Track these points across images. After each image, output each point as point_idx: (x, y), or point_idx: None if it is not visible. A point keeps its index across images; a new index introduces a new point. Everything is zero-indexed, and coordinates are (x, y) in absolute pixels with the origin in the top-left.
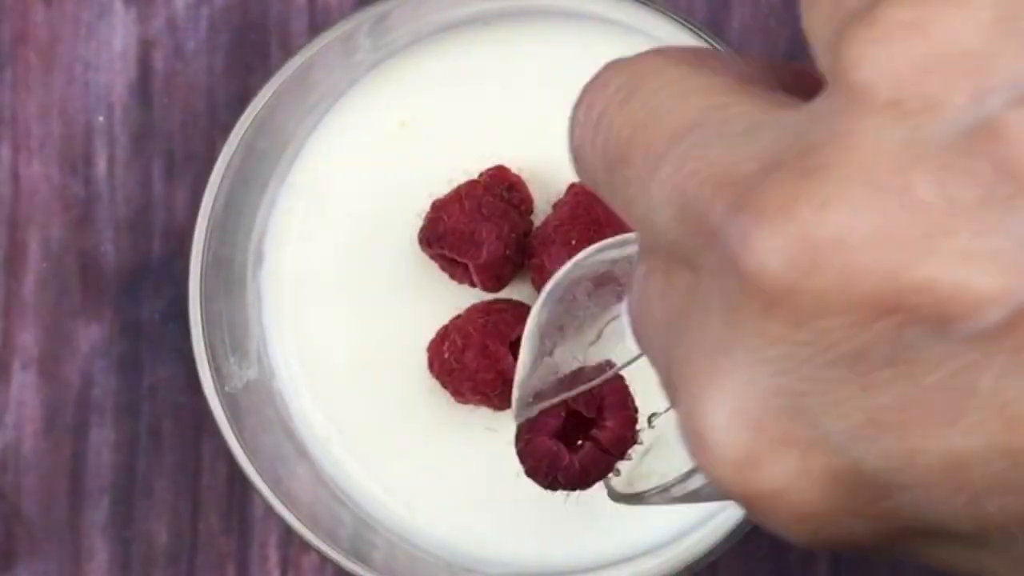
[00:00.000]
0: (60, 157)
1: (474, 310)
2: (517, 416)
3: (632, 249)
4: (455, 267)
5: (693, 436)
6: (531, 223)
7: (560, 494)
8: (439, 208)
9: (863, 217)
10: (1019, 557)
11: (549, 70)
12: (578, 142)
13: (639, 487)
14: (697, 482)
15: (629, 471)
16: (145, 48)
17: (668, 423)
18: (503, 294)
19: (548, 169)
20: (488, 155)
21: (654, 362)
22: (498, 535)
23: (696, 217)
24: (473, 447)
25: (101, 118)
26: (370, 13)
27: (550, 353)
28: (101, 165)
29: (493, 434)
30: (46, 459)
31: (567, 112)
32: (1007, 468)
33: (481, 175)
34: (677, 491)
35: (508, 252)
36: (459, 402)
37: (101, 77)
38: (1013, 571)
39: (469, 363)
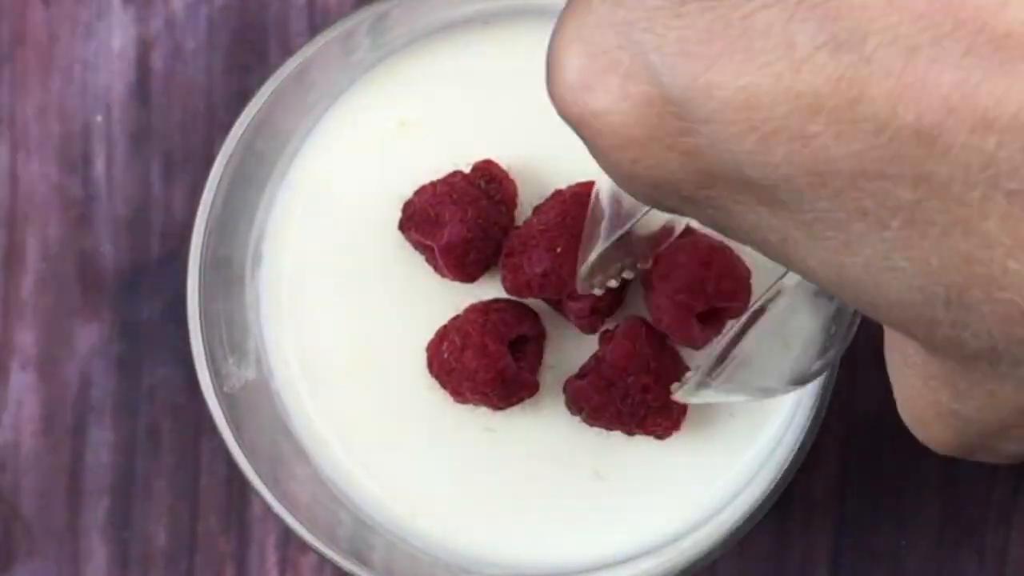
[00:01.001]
0: (58, 157)
1: (473, 310)
2: (580, 287)
3: None
4: (430, 252)
5: (547, 65)
6: (511, 219)
7: (560, 495)
8: (416, 192)
9: None
10: (812, 220)
11: None
12: None
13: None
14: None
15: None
16: (144, 48)
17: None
18: (480, 290)
19: (545, 170)
20: (486, 155)
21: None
22: (498, 535)
23: None
24: (472, 447)
25: (99, 118)
26: (369, 13)
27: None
28: (99, 165)
29: (492, 434)
30: (45, 459)
31: None
32: (790, 112)
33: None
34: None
35: (472, 236)
36: (458, 402)
37: (100, 77)
38: (809, 242)
39: (468, 363)
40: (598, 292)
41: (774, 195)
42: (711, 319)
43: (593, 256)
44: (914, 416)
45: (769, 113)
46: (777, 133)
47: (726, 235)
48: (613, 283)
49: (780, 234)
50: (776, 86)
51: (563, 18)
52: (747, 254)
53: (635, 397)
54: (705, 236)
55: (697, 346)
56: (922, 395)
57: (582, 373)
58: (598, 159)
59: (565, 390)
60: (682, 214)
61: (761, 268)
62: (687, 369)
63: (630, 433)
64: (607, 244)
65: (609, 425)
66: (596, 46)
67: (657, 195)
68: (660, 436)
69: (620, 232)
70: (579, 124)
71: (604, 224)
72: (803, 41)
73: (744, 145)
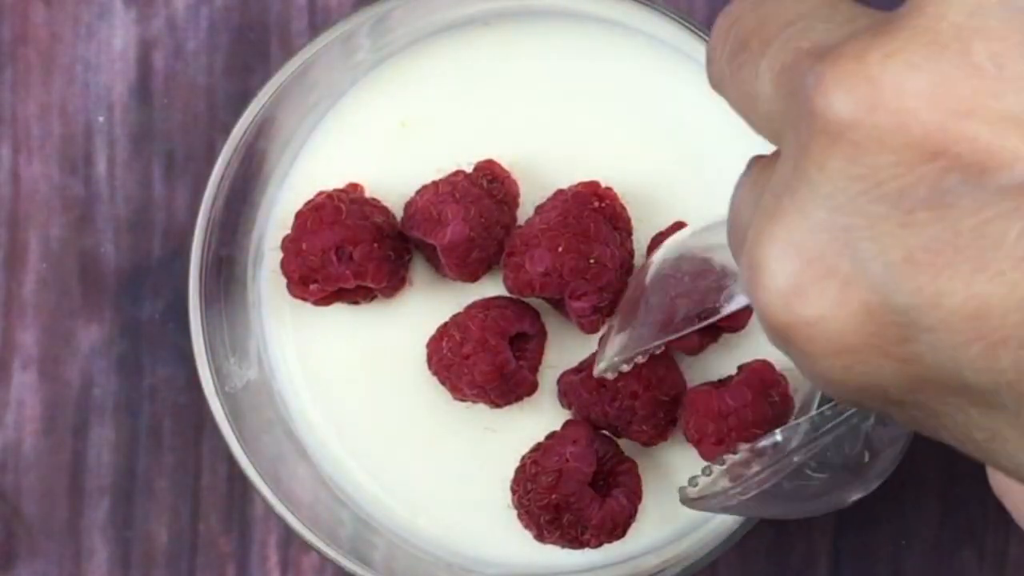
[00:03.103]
0: (60, 157)
1: (474, 307)
2: (597, 371)
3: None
4: (432, 251)
5: (749, 269)
6: (513, 218)
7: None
8: (417, 191)
9: (922, 70)
10: None
11: (549, 70)
12: (712, 44)
13: (705, 493)
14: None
15: (703, 485)
16: (145, 48)
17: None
18: (482, 289)
19: (545, 170)
20: (487, 154)
21: (735, 247)
22: (498, 535)
23: (788, 78)
24: (473, 447)
25: (101, 118)
26: (370, 13)
27: (635, 325)
28: (101, 165)
29: (492, 434)
30: (46, 459)
31: (566, 112)
32: (1022, 321)
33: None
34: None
35: (474, 235)
36: (457, 399)
37: (101, 77)
38: (1022, 441)
39: (467, 357)
40: (610, 376)
41: (992, 399)
42: (710, 331)
43: (619, 352)
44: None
45: (1000, 322)
46: (1006, 341)
47: (921, 431)
48: (626, 368)
49: (989, 433)
50: (1009, 296)
51: (767, 220)
52: None
53: (623, 401)
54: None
55: (695, 353)
56: None
57: (578, 368)
58: (802, 364)
59: (558, 383)
60: (880, 413)
61: None
62: (682, 378)
63: (616, 435)
64: (647, 347)
65: (597, 424)
66: (810, 251)
67: (861, 398)
68: (646, 443)
69: (670, 338)
70: (788, 330)
71: (648, 328)
72: None
73: (969, 352)
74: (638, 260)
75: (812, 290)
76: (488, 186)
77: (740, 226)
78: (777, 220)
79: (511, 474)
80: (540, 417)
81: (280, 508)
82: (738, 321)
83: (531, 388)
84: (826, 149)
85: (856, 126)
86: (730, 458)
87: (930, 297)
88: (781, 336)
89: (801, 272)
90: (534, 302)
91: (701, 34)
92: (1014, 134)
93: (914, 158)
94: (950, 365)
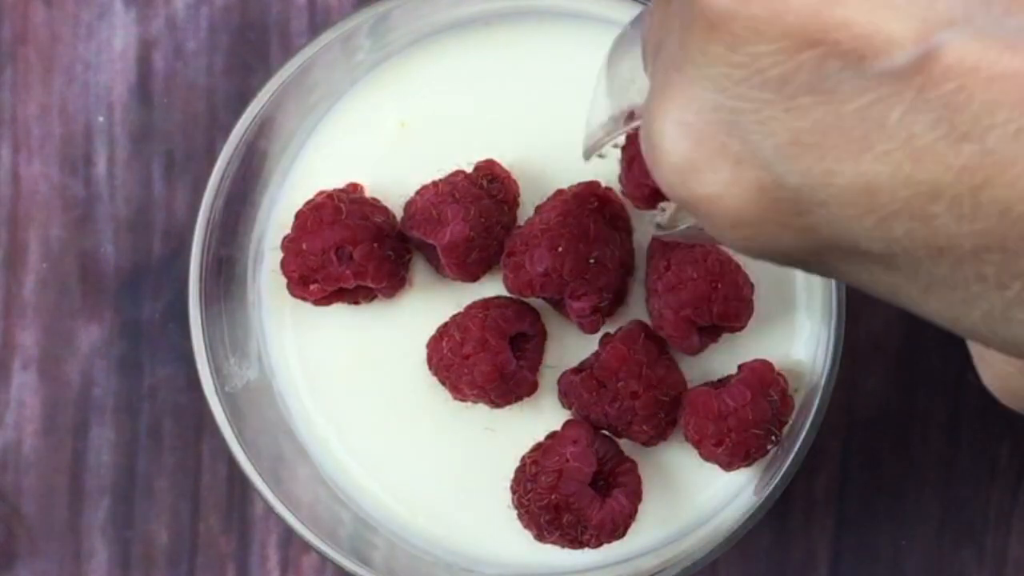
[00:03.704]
0: (60, 157)
1: (474, 306)
2: (585, 155)
3: None
4: (432, 251)
5: (648, 143)
6: (513, 218)
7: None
8: (417, 191)
9: None
10: (928, 283)
11: (549, 70)
12: None
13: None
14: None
15: (670, 214)
16: (145, 48)
17: None
18: (482, 289)
19: (546, 170)
20: (487, 155)
21: (651, 82)
22: (498, 535)
23: None
24: (473, 447)
25: (101, 118)
26: (370, 13)
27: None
28: (101, 165)
29: (492, 434)
30: (46, 459)
31: (566, 112)
32: (912, 196)
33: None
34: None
35: (474, 235)
36: (457, 399)
37: (101, 77)
38: (924, 296)
39: (467, 356)
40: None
41: (890, 262)
42: (710, 331)
43: (595, 139)
44: (1005, 390)
45: (890, 197)
46: (897, 214)
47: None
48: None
49: (892, 288)
50: (896, 174)
51: (660, 99)
52: (752, 270)
53: (623, 402)
54: (715, 249)
55: (695, 353)
56: (1014, 379)
57: (579, 369)
58: (709, 230)
59: (559, 383)
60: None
61: (764, 284)
62: (682, 378)
63: (616, 435)
64: (607, 137)
65: (597, 424)
66: (702, 131)
67: (769, 259)
68: (646, 443)
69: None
70: (688, 204)
71: (606, 123)
72: (922, 132)
73: (863, 224)
74: (638, 260)
75: (706, 169)
76: (488, 186)
77: (650, 48)
78: (668, 98)
79: (511, 474)
80: (540, 417)
81: (280, 508)
82: (738, 321)
83: (531, 389)
84: (706, 35)
85: (733, 17)
86: None
87: (819, 176)
88: (686, 207)
89: (694, 151)
90: (534, 302)
91: None
92: (887, 18)
93: (792, 46)
94: (846, 235)
